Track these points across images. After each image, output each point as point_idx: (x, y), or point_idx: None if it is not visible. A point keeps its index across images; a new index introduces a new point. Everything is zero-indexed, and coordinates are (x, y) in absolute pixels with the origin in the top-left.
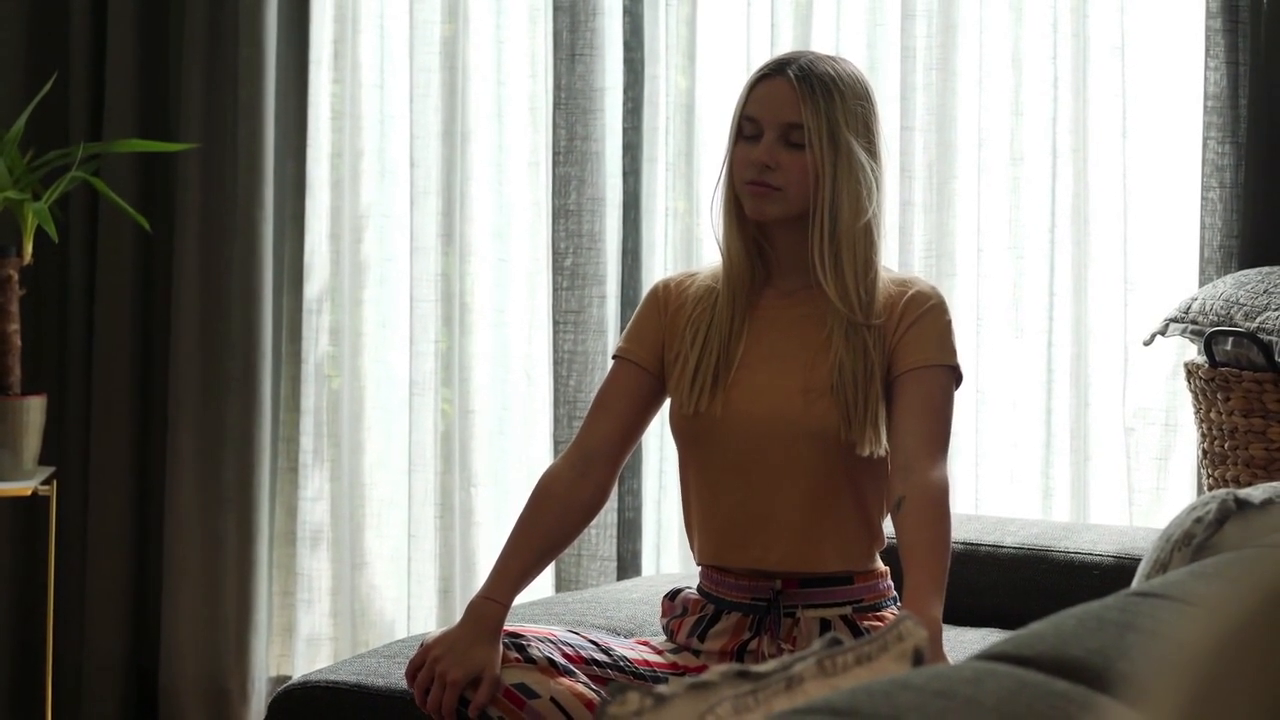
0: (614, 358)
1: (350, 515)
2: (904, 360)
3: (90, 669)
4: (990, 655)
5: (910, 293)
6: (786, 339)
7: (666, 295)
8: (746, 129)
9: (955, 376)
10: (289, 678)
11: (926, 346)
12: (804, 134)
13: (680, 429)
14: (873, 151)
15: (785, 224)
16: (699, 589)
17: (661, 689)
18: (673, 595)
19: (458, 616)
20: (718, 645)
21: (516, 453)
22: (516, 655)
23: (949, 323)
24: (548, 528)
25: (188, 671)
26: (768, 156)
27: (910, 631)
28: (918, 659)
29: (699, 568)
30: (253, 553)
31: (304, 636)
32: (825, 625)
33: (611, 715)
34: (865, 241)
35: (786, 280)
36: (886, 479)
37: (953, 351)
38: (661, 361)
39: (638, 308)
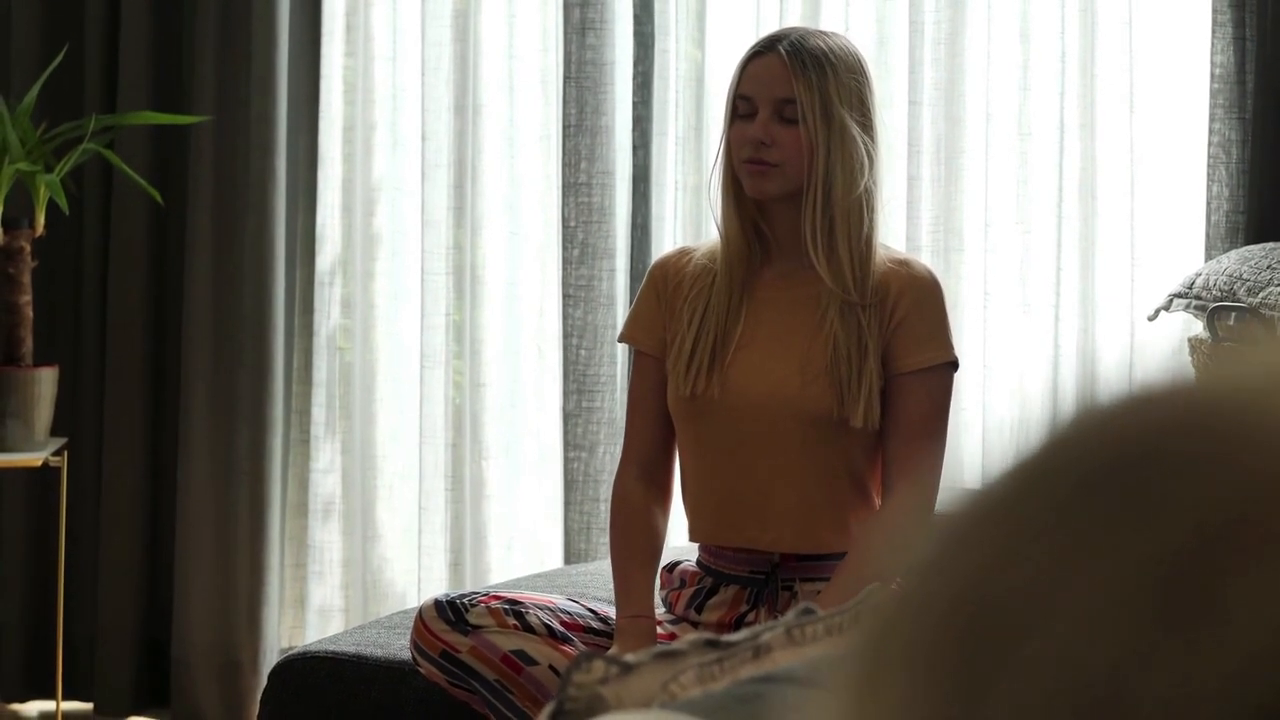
0: (621, 340)
1: (361, 487)
2: (901, 359)
3: (102, 640)
4: None
5: (906, 277)
6: (783, 320)
7: (664, 276)
8: (741, 108)
9: (953, 364)
10: None
11: (924, 343)
12: (797, 109)
13: (677, 410)
14: (867, 125)
15: (783, 202)
16: (697, 562)
17: (628, 657)
18: (671, 567)
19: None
20: (715, 617)
21: (527, 425)
22: (515, 622)
23: (945, 311)
24: (646, 538)
25: (199, 643)
26: (763, 133)
27: None
28: None
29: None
30: (264, 525)
31: (315, 608)
32: None
33: (577, 683)
34: (859, 215)
35: (784, 260)
36: (881, 455)
37: (949, 343)
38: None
39: (639, 291)
